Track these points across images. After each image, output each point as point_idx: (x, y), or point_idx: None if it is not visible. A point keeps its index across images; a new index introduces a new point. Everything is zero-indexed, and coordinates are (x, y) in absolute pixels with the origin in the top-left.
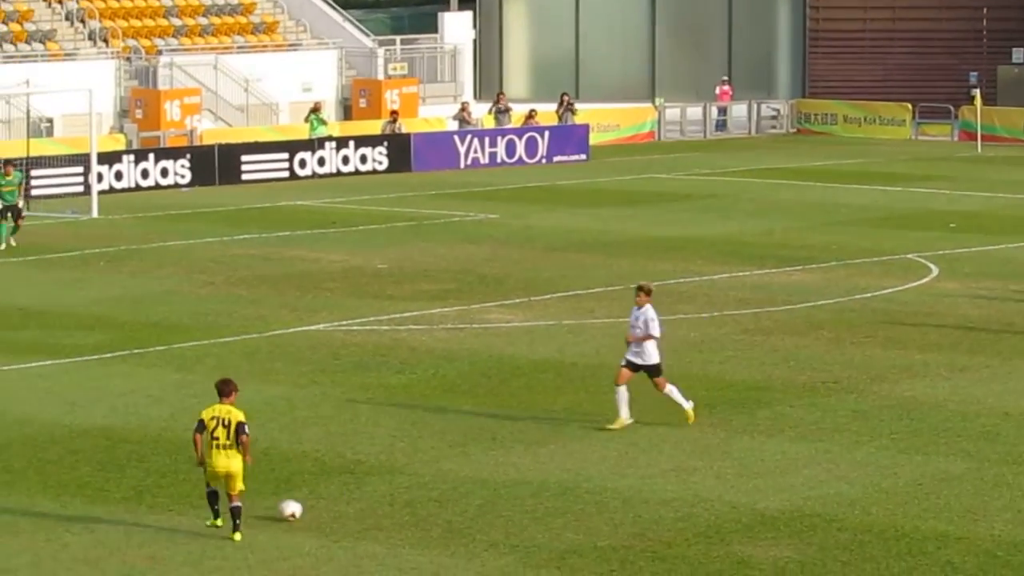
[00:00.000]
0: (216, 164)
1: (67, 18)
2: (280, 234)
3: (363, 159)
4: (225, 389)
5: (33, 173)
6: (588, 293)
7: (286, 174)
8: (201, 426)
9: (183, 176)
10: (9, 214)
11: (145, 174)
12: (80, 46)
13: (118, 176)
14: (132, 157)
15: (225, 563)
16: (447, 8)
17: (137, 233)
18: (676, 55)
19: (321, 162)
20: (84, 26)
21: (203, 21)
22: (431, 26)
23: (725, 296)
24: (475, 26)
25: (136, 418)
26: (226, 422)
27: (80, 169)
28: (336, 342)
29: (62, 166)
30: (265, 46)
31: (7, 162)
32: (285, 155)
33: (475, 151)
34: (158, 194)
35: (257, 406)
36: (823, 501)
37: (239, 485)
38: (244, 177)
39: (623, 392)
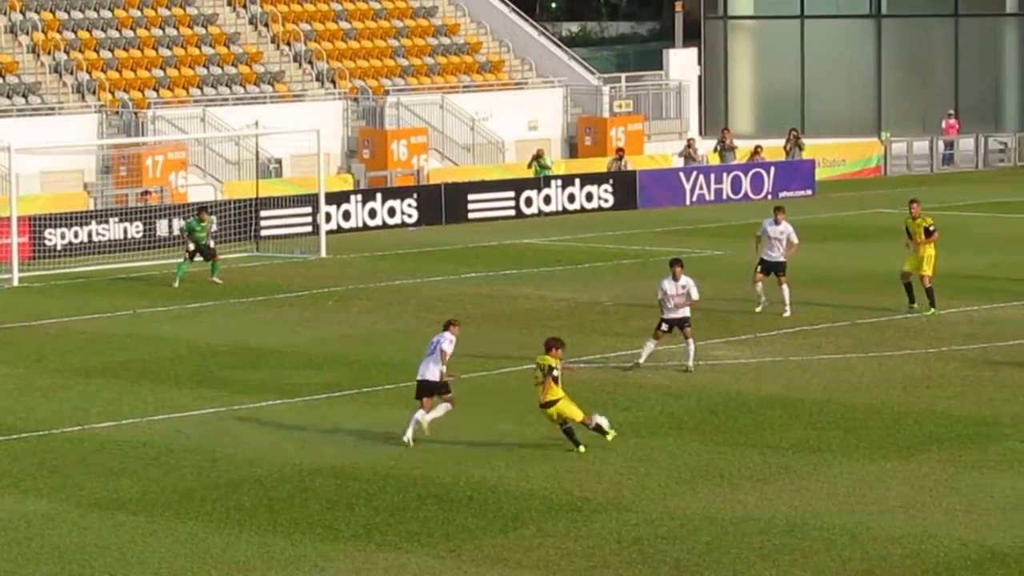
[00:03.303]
0: (443, 203)
1: (295, 60)
2: (506, 272)
3: (589, 197)
4: (548, 344)
5: (262, 214)
6: (814, 329)
7: (512, 212)
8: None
9: (410, 215)
10: (199, 254)
11: (372, 214)
12: (308, 87)
13: (346, 216)
14: (360, 197)
15: None
16: (672, 45)
17: (365, 272)
18: (902, 89)
19: (547, 200)
20: (312, 67)
21: (429, 61)
22: (656, 63)
23: (952, 331)
24: (700, 63)
25: (365, 457)
26: (543, 367)
27: (308, 209)
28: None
29: (291, 206)
30: (491, 85)
31: (202, 209)
32: (511, 193)
33: (701, 187)
34: (385, 233)
35: (485, 444)
36: None
37: (575, 416)
38: (471, 216)
39: None
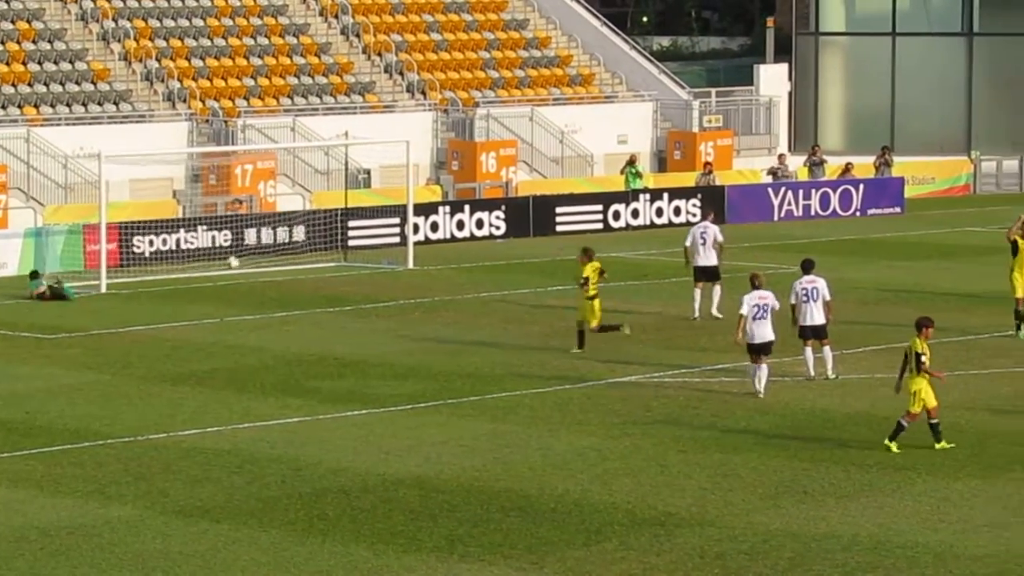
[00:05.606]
0: (531, 215)
1: (386, 71)
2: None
3: (677, 211)
4: (920, 323)
5: (350, 224)
6: (902, 347)
7: (600, 226)
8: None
9: (498, 228)
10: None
11: (460, 225)
12: (398, 98)
13: (434, 227)
14: (448, 208)
15: None
16: (763, 61)
17: (452, 284)
18: (993, 107)
19: (635, 214)
20: (403, 78)
21: (520, 74)
22: (746, 78)
23: None
24: (790, 78)
25: (449, 468)
26: (907, 353)
27: (396, 220)
28: (648, 394)
29: (379, 217)
30: (581, 98)
31: (33, 274)
32: (599, 207)
33: (789, 203)
34: (473, 245)
35: (569, 457)
36: None
37: (929, 403)
38: (558, 228)
39: None
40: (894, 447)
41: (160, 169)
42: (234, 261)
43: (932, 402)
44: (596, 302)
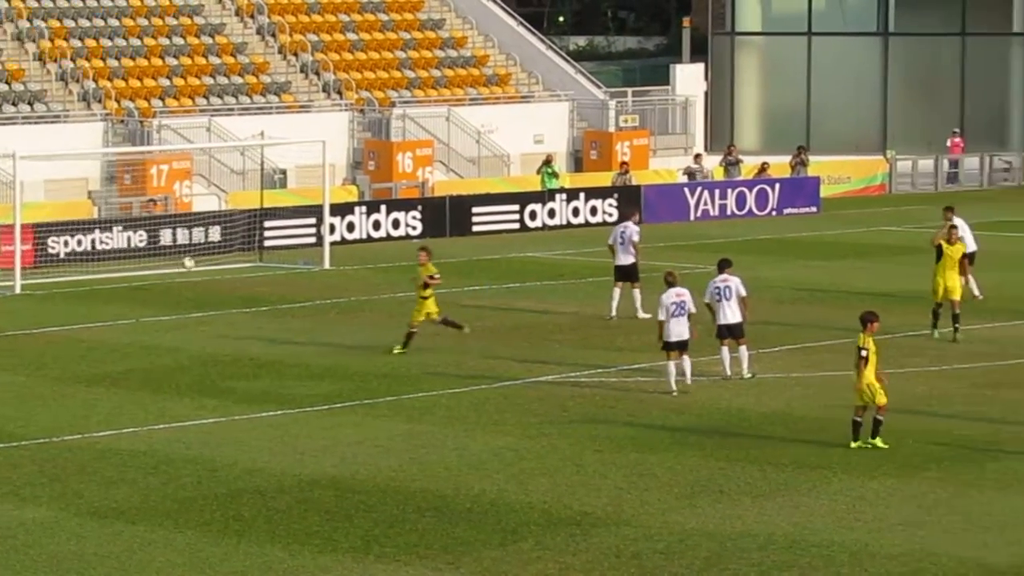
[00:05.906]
0: (447, 215)
1: (302, 70)
2: (510, 286)
3: (593, 211)
4: (864, 319)
5: (266, 224)
6: (818, 346)
7: (516, 226)
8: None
9: (414, 228)
10: None
11: (377, 225)
12: (314, 98)
13: (350, 227)
14: (364, 209)
15: None
16: (679, 60)
17: (368, 284)
18: (908, 107)
19: (551, 214)
20: (319, 78)
21: (436, 73)
22: (663, 78)
23: (955, 350)
24: (707, 78)
25: (365, 468)
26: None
27: (312, 220)
28: (564, 394)
29: (295, 217)
30: (498, 98)
31: None
32: (516, 207)
33: (705, 203)
34: (390, 245)
35: (485, 457)
36: None
37: (878, 400)
38: (475, 228)
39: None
40: (879, 442)
41: (75, 169)
42: (188, 261)
43: (865, 400)
44: (433, 298)
